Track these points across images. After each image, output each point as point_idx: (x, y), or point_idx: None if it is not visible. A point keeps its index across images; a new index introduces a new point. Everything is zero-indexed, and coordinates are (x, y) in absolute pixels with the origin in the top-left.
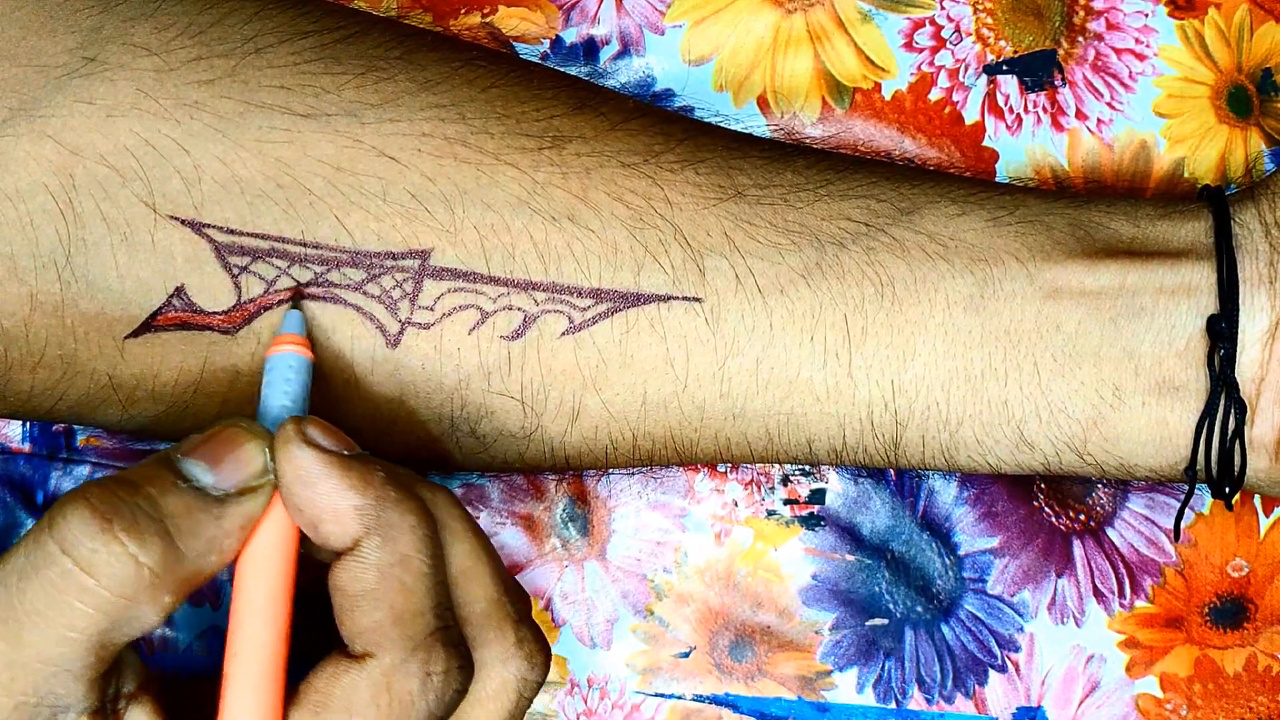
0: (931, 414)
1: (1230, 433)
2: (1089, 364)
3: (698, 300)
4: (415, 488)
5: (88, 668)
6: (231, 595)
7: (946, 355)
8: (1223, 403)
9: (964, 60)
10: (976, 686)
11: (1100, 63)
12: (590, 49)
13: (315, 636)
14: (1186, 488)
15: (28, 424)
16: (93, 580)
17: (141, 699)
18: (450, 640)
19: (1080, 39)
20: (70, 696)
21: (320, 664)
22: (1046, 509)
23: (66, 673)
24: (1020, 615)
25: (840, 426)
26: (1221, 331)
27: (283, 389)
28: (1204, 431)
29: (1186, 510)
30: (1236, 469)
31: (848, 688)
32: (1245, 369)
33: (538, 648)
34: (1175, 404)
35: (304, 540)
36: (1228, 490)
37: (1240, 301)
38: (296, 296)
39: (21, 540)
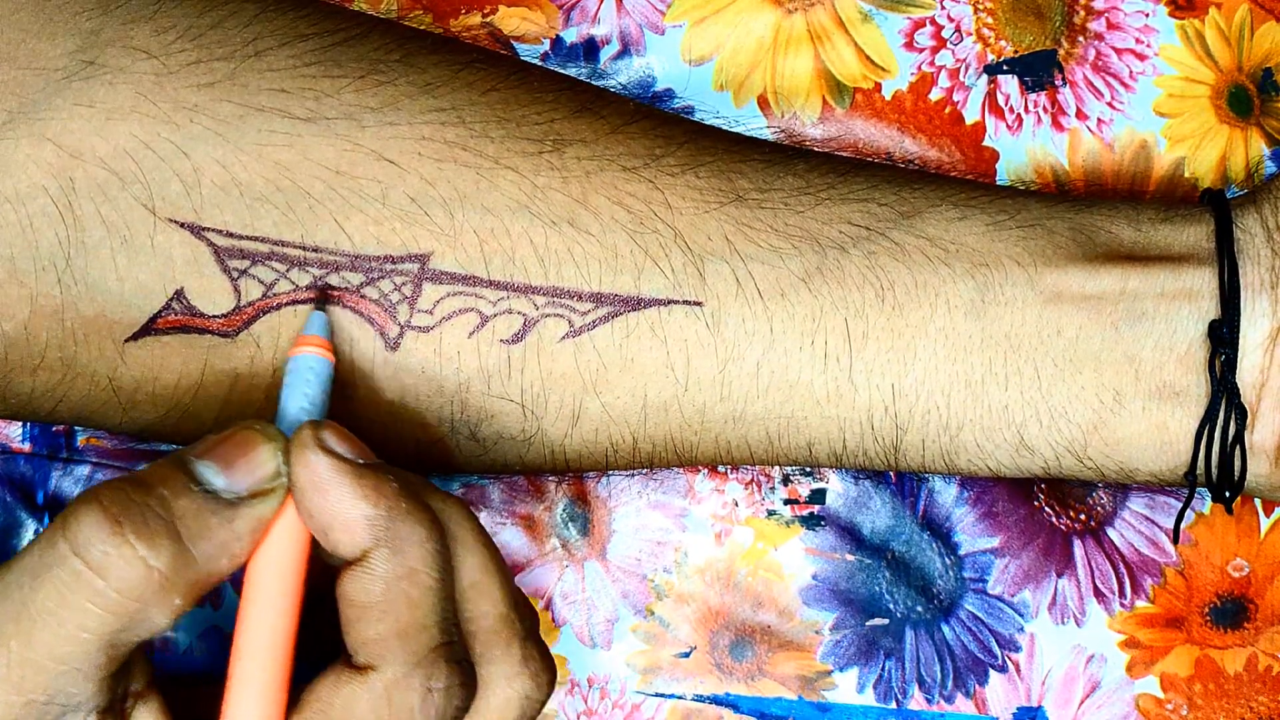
0: (932, 418)
1: (1231, 438)
2: (1090, 369)
3: (698, 304)
4: (428, 498)
5: (98, 667)
6: (240, 596)
7: (947, 360)
8: (1223, 408)
9: (964, 60)
10: (977, 686)
11: (1101, 62)
12: (590, 49)
13: (323, 633)
14: (1187, 491)
15: (28, 424)
16: (103, 582)
17: (149, 698)
18: (453, 656)
19: (1081, 39)
20: (80, 695)
21: (323, 673)
22: (1047, 509)
23: (77, 672)
24: (1021, 615)
25: (840, 430)
26: (1223, 337)
27: (302, 391)
28: (1204, 436)
29: (1187, 510)
30: (1237, 474)
31: (848, 688)
32: (1246, 374)
33: (544, 665)
34: (1176, 409)
35: (315, 544)
36: (1228, 495)
37: (1242, 307)
38: (320, 298)
39: (36, 540)
